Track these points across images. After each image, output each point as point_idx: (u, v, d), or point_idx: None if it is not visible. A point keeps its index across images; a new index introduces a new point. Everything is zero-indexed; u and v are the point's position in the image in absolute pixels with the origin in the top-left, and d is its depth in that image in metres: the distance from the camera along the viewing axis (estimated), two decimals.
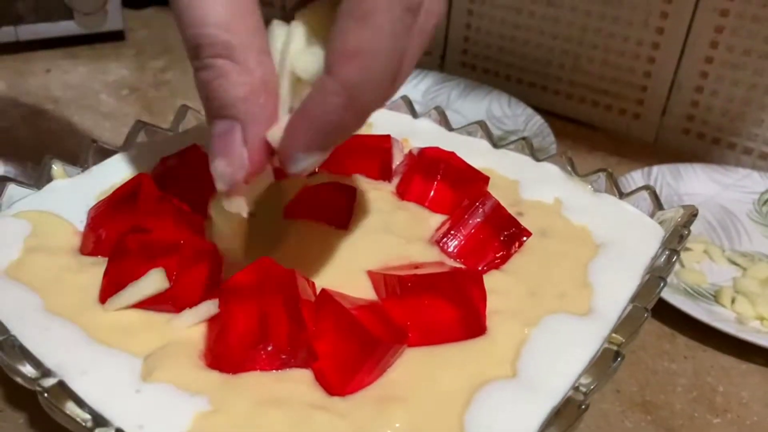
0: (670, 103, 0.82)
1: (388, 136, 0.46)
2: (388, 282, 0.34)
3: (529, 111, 0.80)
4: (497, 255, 0.38)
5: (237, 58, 0.27)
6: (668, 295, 0.56)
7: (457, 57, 0.95)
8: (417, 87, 0.87)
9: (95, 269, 0.35)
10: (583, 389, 0.31)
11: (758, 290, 0.59)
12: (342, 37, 0.26)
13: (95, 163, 0.45)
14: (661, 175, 0.73)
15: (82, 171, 0.44)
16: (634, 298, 0.36)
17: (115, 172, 0.43)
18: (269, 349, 0.30)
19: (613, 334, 0.34)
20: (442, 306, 0.33)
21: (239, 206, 0.30)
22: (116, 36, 1.02)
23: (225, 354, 0.31)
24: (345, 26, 0.25)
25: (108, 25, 1.01)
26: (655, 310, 0.56)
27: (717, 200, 0.72)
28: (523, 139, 0.49)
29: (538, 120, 0.78)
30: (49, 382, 0.28)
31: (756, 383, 0.53)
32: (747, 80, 0.76)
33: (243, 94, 0.27)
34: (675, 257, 0.38)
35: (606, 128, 0.86)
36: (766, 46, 0.73)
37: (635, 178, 0.71)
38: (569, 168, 0.47)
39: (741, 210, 0.71)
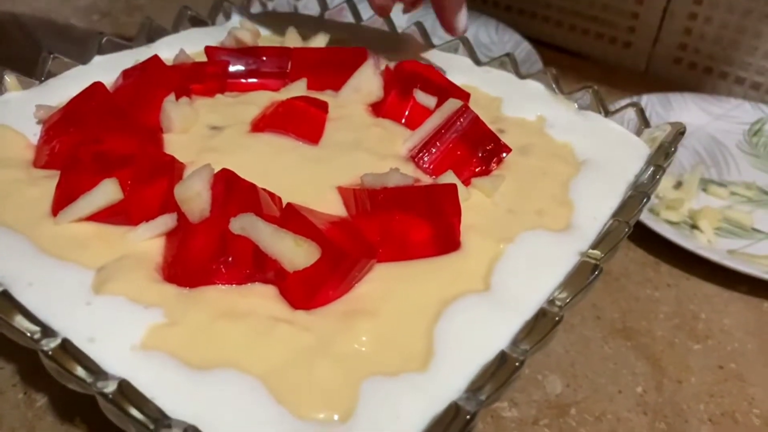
0: (662, 31, 0.79)
1: (363, 49, 0.43)
2: (358, 197, 0.33)
3: (517, 37, 0.77)
4: (475, 171, 0.37)
5: None
6: (653, 223, 0.55)
7: None
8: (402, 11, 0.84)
9: (48, 182, 0.33)
10: (559, 303, 0.29)
11: None
12: None
13: (54, 75, 0.42)
14: (651, 104, 0.71)
15: (39, 84, 0.41)
16: (616, 214, 0.35)
17: (72, 85, 0.41)
18: (229, 261, 0.29)
19: (592, 250, 0.32)
20: (415, 221, 0.31)
21: None
22: None
23: (183, 267, 0.29)
24: None
25: None
26: (640, 238, 0.55)
27: (707, 130, 0.71)
28: (507, 55, 0.46)
29: (526, 46, 0.75)
30: None
31: (738, 310, 0.52)
32: (742, 5, 0.73)
33: None
34: (660, 174, 0.36)
35: (596, 57, 0.84)
36: None
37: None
38: (554, 85, 0.45)
39: (730, 140, 0.70)
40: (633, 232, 0.37)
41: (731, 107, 0.73)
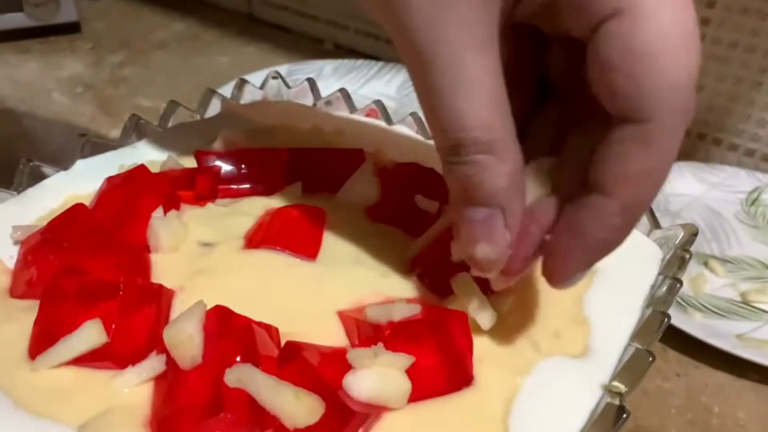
0: None
1: (360, 151, 0.41)
2: (361, 329, 0.30)
3: None
4: (482, 289, 0.34)
5: (498, 152, 0.27)
6: None
7: None
8: (391, 82, 0.83)
9: (26, 316, 0.31)
10: None
11: None
12: (623, 161, 0.26)
13: (32, 184, 0.40)
14: None
15: (17, 194, 0.39)
16: (635, 336, 0.33)
17: (52, 196, 0.39)
18: (227, 417, 0.26)
19: (615, 383, 0.30)
20: (425, 356, 0.29)
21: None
22: (71, 28, 0.96)
23: (173, 423, 0.26)
24: (625, 150, 0.26)
25: (61, 17, 0.94)
26: None
27: (704, 200, 0.70)
28: None
29: None
30: None
31: (751, 401, 0.50)
32: (733, 74, 0.73)
33: (504, 183, 0.28)
34: (678, 286, 0.34)
35: None
36: (753, 38, 0.70)
37: None
38: None
39: (729, 211, 0.69)
40: None
41: (727, 176, 0.72)
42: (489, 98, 0.26)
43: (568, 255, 0.29)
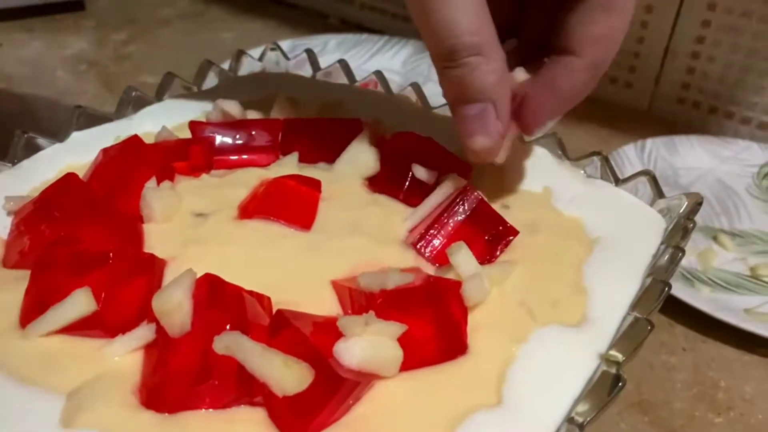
0: (664, 71, 0.77)
1: (358, 121, 0.41)
2: (354, 297, 0.30)
3: None
4: (481, 258, 0.34)
5: (485, 53, 0.32)
6: None
7: None
8: (396, 56, 0.82)
9: (18, 286, 0.31)
10: (580, 419, 0.27)
11: None
12: (590, 24, 0.33)
13: (27, 156, 0.39)
14: (656, 148, 0.69)
15: (12, 166, 0.39)
16: (635, 306, 0.32)
17: (47, 168, 0.38)
18: (215, 384, 0.26)
19: (612, 352, 0.29)
20: (418, 325, 0.28)
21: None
22: (75, 6, 0.95)
23: (162, 390, 0.26)
24: (592, 16, 0.33)
25: None
26: None
27: (715, 174, 0.68)
28: None
29: None
30: None
31: (759, 376, 0.49)
32: (746, 45, 0.71)
33: (493, 79, 0.33)
34: (680, 255, 0.34)
35: (596, 98, 0.81)
36: (766, 7, 0.68)
37: (628, 153, 0.67)
38: (559, 151, 0.42)
39: (740, 185, 0.67)
40: None
41: (739, 149, 0.71)
42: (474, 8, 0.31)
43: (544, 105, 0.35)
